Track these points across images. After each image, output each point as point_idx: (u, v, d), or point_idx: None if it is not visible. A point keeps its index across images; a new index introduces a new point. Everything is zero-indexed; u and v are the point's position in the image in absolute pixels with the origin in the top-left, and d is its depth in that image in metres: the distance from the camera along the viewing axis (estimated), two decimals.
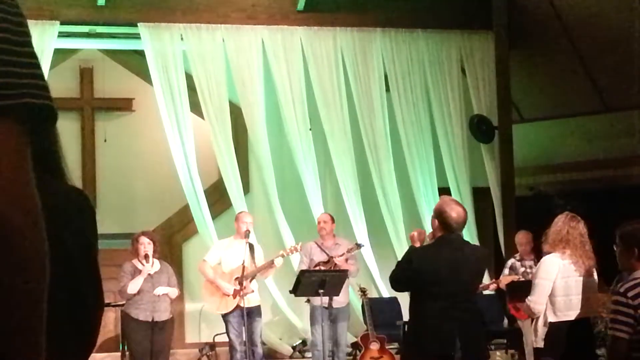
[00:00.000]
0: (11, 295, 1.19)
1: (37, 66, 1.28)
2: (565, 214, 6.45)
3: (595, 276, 6.44)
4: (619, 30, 10.98)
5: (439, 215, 5.89)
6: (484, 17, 11.67)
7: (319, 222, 9.89)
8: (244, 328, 9.27)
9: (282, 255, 9.50)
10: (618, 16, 10.95)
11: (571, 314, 6.24)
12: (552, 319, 6.24)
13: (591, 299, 6.37)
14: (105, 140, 11.53)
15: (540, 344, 6.38)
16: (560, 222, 6.36)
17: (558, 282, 6.21)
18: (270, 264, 9.38)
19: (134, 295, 8.89)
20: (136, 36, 10.87)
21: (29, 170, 1.22)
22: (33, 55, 1.29)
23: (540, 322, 6.35)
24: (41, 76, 1.28)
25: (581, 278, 6.24)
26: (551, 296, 6.23)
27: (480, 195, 11.80)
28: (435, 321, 5.76)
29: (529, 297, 6.37)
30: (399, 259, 10.97)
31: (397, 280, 6.09)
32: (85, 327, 1.63)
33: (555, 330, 6.24)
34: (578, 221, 6.35)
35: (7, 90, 1.23)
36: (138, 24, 10.75)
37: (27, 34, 1.29)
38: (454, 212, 5.83)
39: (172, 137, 10.70)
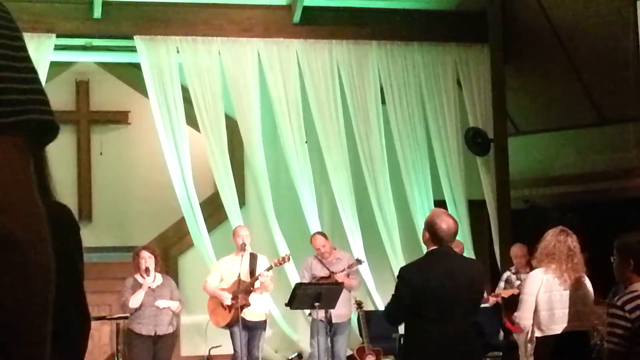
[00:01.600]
0: (19, 310, 1.22)
1: (38, 81, 1.29)
2: (556, 228, 6.45)
3: (589, 288, 6.41)
4: (615, 43, 11.01)
5: (430, 227, 5.82)
6: (479, 30, 11.69)
7: (317, 249, 9.81)
8: (245, 340, 9.28)
9: (271, 267, 9.47)
10: (613, 29, 10.98)
11: (556, 328, 6.21)
12: (537, 334, 6.24)
13: (582, 312, 6.32)
14: (101, 154, 11.53)
15: (530, 359, 6.39)
16: (549, 237, 6.36)
17: (541, 297, 6.20)
18: (256, 278, 9.35)
19: (136, 309, 8.92)
20: (132, 49, 10.88)
21: (34, 187, 1.24)
22: (33, 70, 1.30)
23: (528, 337, 6.36)
24: (42, 91, 1.29)
25: (566, 292, 6.20)
26: (535, 311, 6.22)
27: (476, 207, 11.80)
28: (432, 354, 5.65)
29: (515, 313, 6.37)
30: (395, 270, 11.07)
31: (392, 306, 5.88)
32: (71, 343, 1.64)
33: (542, 345, 6.23)
34: (567, 235, 6.33)
35: (10, 107, 1.24)
36: (134, 37, 10.76)
37: (25, 49, 1.30)
38: (444, 224, 5.77)
39: (168, 150, 10.70)
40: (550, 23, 11.54)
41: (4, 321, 1.20)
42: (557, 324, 6.20)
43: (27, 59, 1.29)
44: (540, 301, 6.20)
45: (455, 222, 5.95)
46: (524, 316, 6.25)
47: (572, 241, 6.29)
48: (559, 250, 6.24)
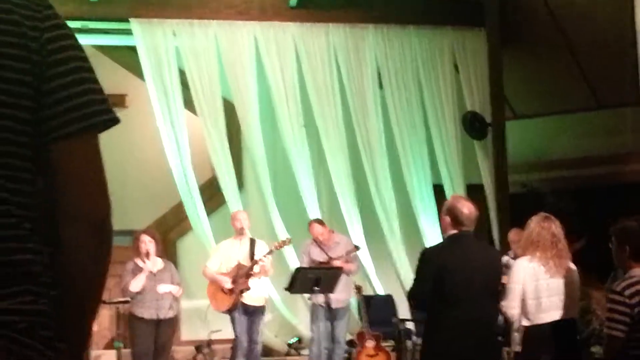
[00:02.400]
0: (98, 285, 1.52)
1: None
2: (539, 214, 6.41)
3: (575, 274, 6.35)
4: (612, 27, 11.01)
5: (451, 211, 5.81)
6: (476, 14, 11.67)
7: (315, 237, 9.80)
8: (246, 325, 9.30)
9: (271, 251, 9.48)
10: (610, 13, 10.97)
11: (543, 317, 6.17)
12: (525, 322, 6.21)
13: (569, 300, 6.29)
14: None
15: (519, 348, 6.39)
16: (532, 224, 6.32)
17: (528, 286, 6.17)
18: (256, 262, 9.35)
19: (137, 293, 8.94)
20: (129, 32, 10.82)
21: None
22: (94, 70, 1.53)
23: (516, 326, 6.35)
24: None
25: (553, 279, 6.15)
26: (522, 300, 6.21)
27: (474, 192, 11.76)
28: (453, 339, 5.63)
29: (502, 302, 6.35)
30: (393, 254, 11.09)
31: (417, 288, 5.80)
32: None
33: (530, 334, 6.21)
34: (551, 221, 6.29)
35: (101, 106, 1.56)
36: (130, 20, 10.71)
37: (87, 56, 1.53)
38: (465, 208, 5.78)
39: (166, 134, 10.68)
40: (548, 7, 11.53)
41: (81, 296, 1.46)
42: (545, 312, 6.17)
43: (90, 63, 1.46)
44: (526, 290, 6.17)
45: (476, 207, 5.95)
46: (511, 305, 6.24)
47: (556, 227, 6.25)
48: (543, 237, 6.20)
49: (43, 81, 1.55)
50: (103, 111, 1.59)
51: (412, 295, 5.97)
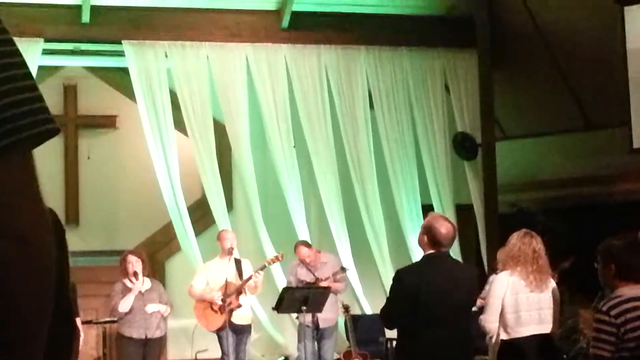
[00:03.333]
0: (27, 302, 1.30)
1: (37, 86, 1.32)
2: (520, 231, 6.45)
3: (555, 291, 6.39)
4: (601, 49, 11.05)
5: (429, 231, 5.75)
6: (467, 35, 11.73)
7: (302, 259, 9.77)
8: (233, 344, 9.28)
9: (264, 266, 9.48)
10: (601, 34, 11.03)
11: (522, 331, 6.21)
12: (503, 336, 6.23)
13: (548, 315, 6.31)
14: (88, 158, 11.52)
15: None
16: (514, 239, 6.36)
17: (507, 299, 6.19)
18: (250, 278, 9.34)
19: (126, 313, 8.93)
20: (120, 54, 10.87)
21: (41, 196, 1.31)
22: (32, 76, 1.33)
23: (493, 340, 6.36)
24: (42, 96, 1.32)
25: (532, 294, 6.19)
26: (501, 314, 6.23)
27: (464, 212, 11.83)
28: (427, 357, 5.61)
29: (480, 316, 6.36)
30: (382, 274, 11.08)
31: (389, 308, 5.79)
32: (59, 348, 1.64)
33: (507, 348, 6.22)
34: (532, 237, 6.33)
35: (28, 119, 1.30)
36: (122, 42, 10.75)
37: (21, 54, 1.32)
38: (443, 228, 5.71)
39: (156, 155, 10.69)
40: (538, 28, 11.59)
41: (7, 315, 1.27)
42: (523, 327, 6.20)
43: (25, 64, 1.32)
44: (506, 304, 6.19)
45: (454, 226, 5.89)
46: (489, 319, 6.25)
47: (537, 243, 6.29)
48: (524, 252, 6.24)
49: None
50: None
51: (383, 315, 5.90)
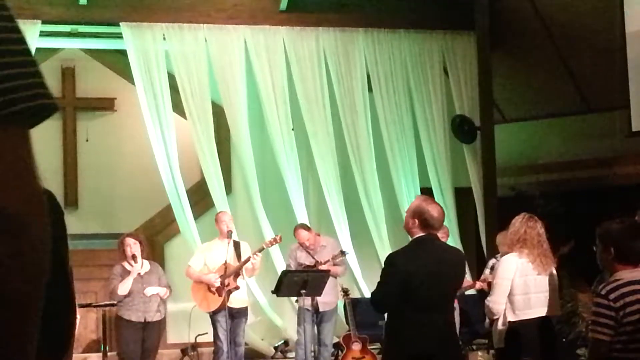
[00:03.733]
0: (13, 280, 1.20)
1: (37, 63, 1.27)
2: (523, 214, 6.48)
3: (555, 276, 6.46)
4: (601, 31, 11.03)
5: (420, 214, 5.66)
6: (466, 18, 11.69)
7: (302, 243, 9.75)
8: (230, 328, 9.29)
9: (262, 248, 9.49)
10: (600, 17, 11.00)
11: (530, 312, 6.26)
12: (511, 318, 6.26)
13: (552, 299, 6.38)
14: (87, 140, 11.49)
15: (501, 345, 6.39)
16: (518, 223, 6.40)
17: (517, 281, 6.24)
18: (248, 259, 9.35)
19: (125, 296, 8.94)
20: (118, 36, 10.83)
21: (36, 174, 1.24)
22: (31, 52, 1.29)
23: (500, 322, 6.36)
24: (41, 72, 1.27)
25: (540, 276, 6.29)
26: (510, 295, 6.26)
27: (462, 195, 11.82)
28: (417, 338, 5.58)
29: (488, 298, 6.37)
30: (381, 258, 11.07)
31: (382, 293, 5.70)
32: (57, 336, 1.61)
33: (514, 329, 6.26)
34: (536, 221, 6.39)
35: (22, 92, 1.24)
36: (120, 24, 10.71)
37: (20, 30, 1.28)
38: (434, 211, 5.66)
39: (155, 137, 10.67)
40: (537, 11, 11.55)
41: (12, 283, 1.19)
42: (532, 308, 6.25)
43: (24, 40, 1.27)
44: (515, 285, 6.23)
45: (442, 209, 5.91)
46: (497, 300, 6.26)
47: (540, 227, 6.37)
48: (530, 236, 6.29)
49: None
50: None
51: (376, 299, 5.79)
